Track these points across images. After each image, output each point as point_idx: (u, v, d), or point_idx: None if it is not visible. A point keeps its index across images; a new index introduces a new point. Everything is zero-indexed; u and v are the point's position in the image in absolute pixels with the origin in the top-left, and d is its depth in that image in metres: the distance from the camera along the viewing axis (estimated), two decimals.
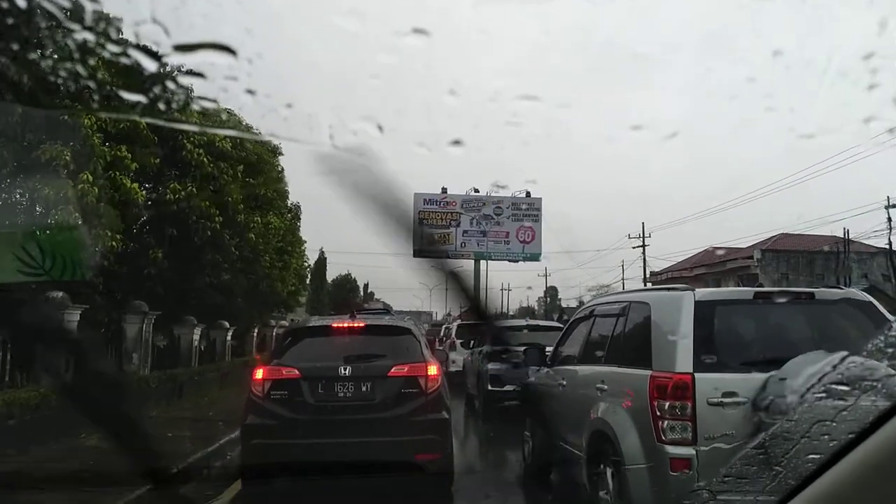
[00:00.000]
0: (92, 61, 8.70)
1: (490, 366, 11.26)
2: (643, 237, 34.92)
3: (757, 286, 4.47)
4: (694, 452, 3.68)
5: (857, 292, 4.26)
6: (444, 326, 24.81)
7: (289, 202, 19.21)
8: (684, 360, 3.78)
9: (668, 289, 4.47)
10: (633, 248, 35.52)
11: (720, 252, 32.83)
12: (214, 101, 8.77)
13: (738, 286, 32.63)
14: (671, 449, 3.74)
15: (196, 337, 14.43)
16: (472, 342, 14.12)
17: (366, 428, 5.39)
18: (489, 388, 11.14)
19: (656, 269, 37.00)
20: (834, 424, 1.57)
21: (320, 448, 5.28)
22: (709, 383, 3.71)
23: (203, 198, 12.84)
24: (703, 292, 4.09)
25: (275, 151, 16.69)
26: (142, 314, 11.57)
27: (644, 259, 34.61)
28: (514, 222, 41.02)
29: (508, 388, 10.61)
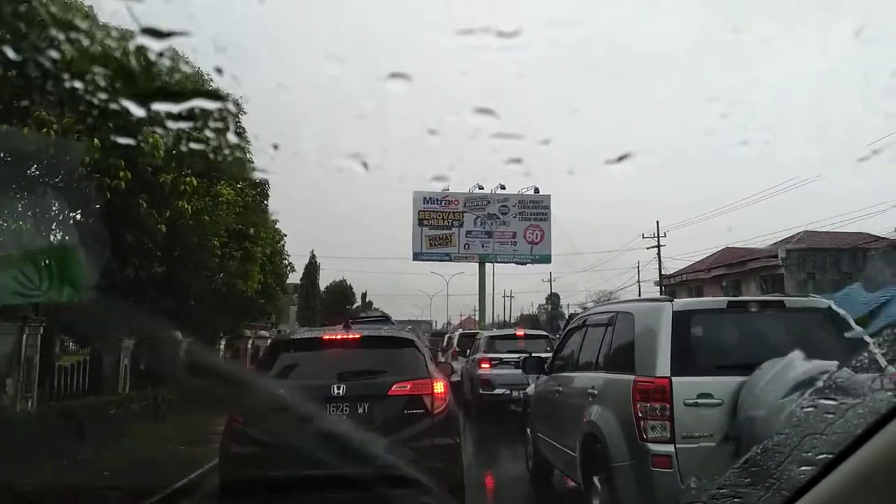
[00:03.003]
0: (81, 107, 8.45)
1: (480, 371, 12.95)
2: (658, 237, 35.62)
3: (733, 295, 5.19)
4: (673, 449, 4.40)
5: (823, 300, 4.99)
6: (446, 336, 25.68)
7: (253, 175, 15.55)
8: (663, 365, 4.51)
9: (651, 300, 5.21)
10: (648, 248, 36.23)
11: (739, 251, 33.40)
12: (207, 142, 9.41)
13: (762, 288, 33.29)
14: (652, 447, 4.45)
15: (124, 354, 11.75)
16: (467, 350, 15.73)
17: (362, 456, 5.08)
18: (480, 391, 12.88)
19: (669, 272, 37.65)
20: (824, 437, 1.69)
21: (309, 479, 4.98)
22: (685, 386, 4.43)
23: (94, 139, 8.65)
24: (681, 303, 4.83)
25: (237, 104, 11.54)
26: (19, 321, 8.76)
27: (659, 259, 35.34)
28: (521, 221, 41.33)
29: (498, 391, 12.42)
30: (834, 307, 4.92)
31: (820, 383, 3.94)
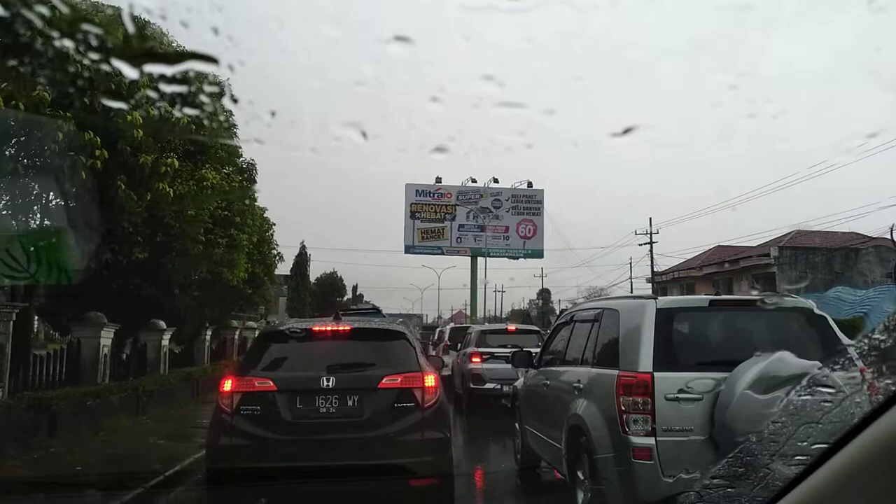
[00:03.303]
0: (72, 68, 7.95)
1: (472, 365, 13.14)
2: (650, 233, 35.92)
3: (714, 293, 5.42)
4: (653, 442, 4.61)
5: (801, 300, 5.22)
6: (437, 329, 25.92)
7: (241, 160, 15.41)
8: (646, 361, 4.72)
9: (636, 297, 5.42)
10: (641, 244, 36.54)
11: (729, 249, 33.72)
12: (202, 107, 9.39)
13: (753, 286, 33.58)
14: (634, 439, 4.66)
15: (104, 342, 11.31)
16: (458, 344, 15.86)
17: (352, 449, 5.20)
18: (471, 386, 13.06)
19: (661, 269, 37.99)
20: (820, 426, 1.74)
21: (298, 473, 5.03)
22: (666, 381, 4.64)
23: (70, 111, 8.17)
24: (665, 300, 5.04)
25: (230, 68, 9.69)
26: None
27: (651, 257, 35.66)
28: (514, 216, 41.54)
29: (489, 386, 12.57)
30: (815, 307, 5.15)
31: (800, 381, 4.19)
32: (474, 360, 13.27)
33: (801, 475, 1.39)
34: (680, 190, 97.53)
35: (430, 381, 5.53)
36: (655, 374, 4.65)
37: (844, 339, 4.87)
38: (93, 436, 9.17)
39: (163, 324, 14.21)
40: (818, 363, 4.33)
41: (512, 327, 15.48)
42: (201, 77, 8.42)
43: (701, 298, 5.35)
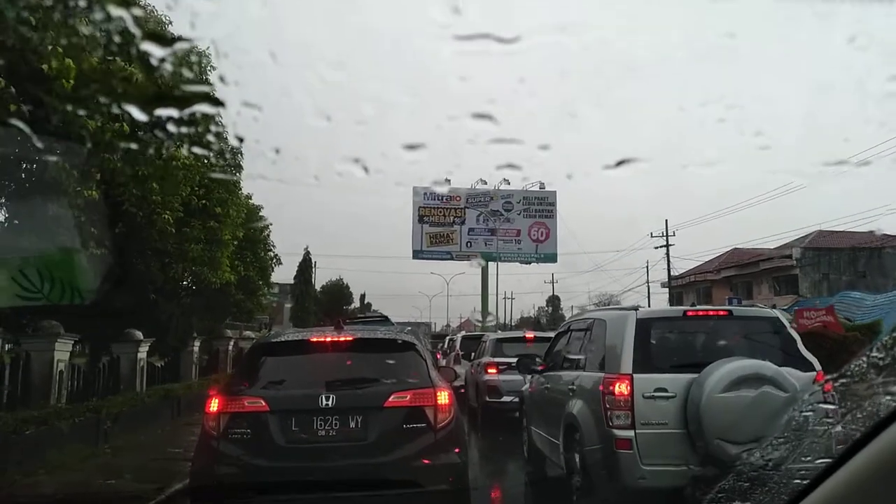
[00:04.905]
0: (82, 111, 7.59)
1: (487, 377, 13.16)
2: (667, 236, 36.85)
3: (689, 304, 6.51)
4: (633, 434, 5.70)
5: (766, 310, 6.30)
6: (447, 338, 26.46)
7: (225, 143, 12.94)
8: (626, 364, 5.81)
9: (620, 309, 6.53)
10: (656, 248, 37.49)
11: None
12: (208, 146, 10.16)
13: (775, 289, 34.42)
14: (617, 432, 5.75)
15: (60, 355, 10.15)
16: (472, 354, 15.93)
17: (355, 477, 4.92)
18: (487, 399, 12.99)
19: (677, 272, 38.87)
20: (824, 441, 1.81)
21: (294, 501, 4.89)
22: (644, 382, 5.72)
23: None
24: (644, 311, 6.15)
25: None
26: None
27: (668, 260, 36.59)
28: (526, 218, 42.14)
29: (506, 399, 12.13)
30: (779, 316, 6.23)
31: (757, 380, 5.27)
32: (490, 370, 13.00)
33: (806, 489, 1.47)
34: (675, 216, 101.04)
35: (443, 397, 5.21)
36: (635, 375, 5.74)
37: (801, 346, 5.95)
38: (26, 476, 7.73)
39: (139, 334, 13.03)
40: (774, 365, 5.44)
41: (530, 335, 14.66)
42: (208, 118, 7.93)
43: (677, 309, 6.44)
